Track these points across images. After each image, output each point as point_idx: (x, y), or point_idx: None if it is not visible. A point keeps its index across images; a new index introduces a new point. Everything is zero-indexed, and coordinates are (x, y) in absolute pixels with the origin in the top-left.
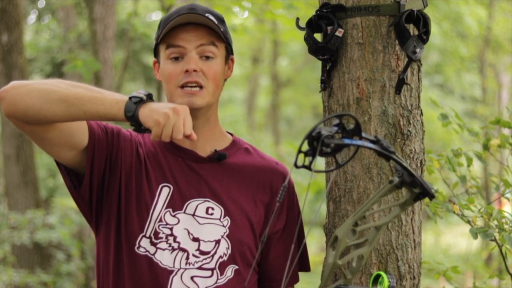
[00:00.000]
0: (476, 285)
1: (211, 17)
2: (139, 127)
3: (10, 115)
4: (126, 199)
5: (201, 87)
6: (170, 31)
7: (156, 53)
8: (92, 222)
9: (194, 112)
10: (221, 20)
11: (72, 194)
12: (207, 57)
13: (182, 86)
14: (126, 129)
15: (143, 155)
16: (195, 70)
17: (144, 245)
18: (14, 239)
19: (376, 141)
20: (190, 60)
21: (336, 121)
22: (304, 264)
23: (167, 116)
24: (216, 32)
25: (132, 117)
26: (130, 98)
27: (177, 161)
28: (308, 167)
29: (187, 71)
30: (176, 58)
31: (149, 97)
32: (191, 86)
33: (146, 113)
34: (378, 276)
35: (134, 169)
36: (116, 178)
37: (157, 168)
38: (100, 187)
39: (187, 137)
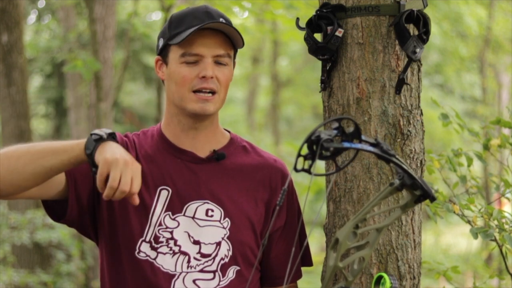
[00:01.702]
0: (476, 285)
1: (225, 22)
2: (92, 168)
3: None
4: (120, 206)
5: (213, 93)
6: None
7: (162, 51)
8: (92, 236)
9: (203, 117)
10: (231, 25)
11: (64, 222)
12: (220, 63)
13: (196, 91)
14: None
15: (136, 157)
16: (211, 77)
17: (144, 250)
18: (14, 239)
19: (376, 144)
20: (207, 66)
21: (336, 124)
22: (306, 260)
23: (116, 160)
24: (230, 40)
25: (89, 155)
26: (91, 134)
27: (175, 162)
28: (308, 171)
29: (204, 77)
30: (190, 62)
31: (111, 137)
32: (205, 92)
33: (100, 150)
34: (380, 277)
35: None
36: None
37: (155, 170)
38: (90, 204)
39: (130, 195)
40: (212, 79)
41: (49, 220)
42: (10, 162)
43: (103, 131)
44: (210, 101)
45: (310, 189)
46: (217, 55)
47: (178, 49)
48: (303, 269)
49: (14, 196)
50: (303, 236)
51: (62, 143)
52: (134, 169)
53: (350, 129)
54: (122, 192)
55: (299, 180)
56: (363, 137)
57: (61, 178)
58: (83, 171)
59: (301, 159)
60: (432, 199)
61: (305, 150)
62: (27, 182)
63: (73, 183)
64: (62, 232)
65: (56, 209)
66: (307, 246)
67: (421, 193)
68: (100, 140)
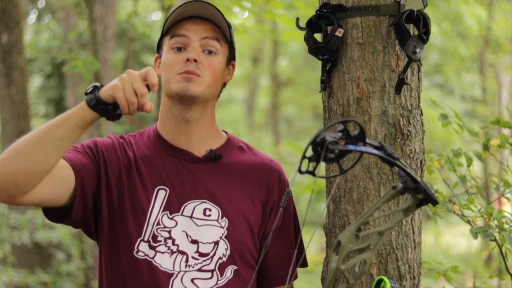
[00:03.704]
0: (476, 285)
1: (217, 12)
2: (108, 108)
3: (2, 193)
4: (120, 206)
5: (197, 75)
6: (176, 22)
7: (159, 47)
8: (95, 237)
9: (189, 100)
10: (228, 23)
11: (68, 223)
12: (210, 52)
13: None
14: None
15: (133, 158)
16: (195, 60)
17: (142, 249)
18: (14, 239)
19: (380, 147)
20: (191, 50)
21: (341, 127)
22: (302, 261)
23: (121, 78)
24: (221, 29)
25: (97, 103)
26: (85, 93)
27: (172, 162)
28: (312, 173)
29: (188, 60)
30: (179, 49)
31: (102, 86)
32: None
33: (104, 89)
34: (381, 280)
35: (124, 175)
36: (103, 190)
37: (153, 170)
38: (94, 204)
39: (141, 103)
40: (196, 63)
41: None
42: (19, 151)
43: (92, 84)
44: (193, 81)
45: (309, 188)
46: (205, 37)
47: (168, 36)
48: (303, 269)
49: (31, 197)
50: (299, 237)
51: (62, 114)
52: (131, 77)
53: (355, 131)
54: (132, 104)
55: (298, 180)
56: (367, 140)
57: (70, 177)
58: (89, 170)
59: (305, 161)
60: (434, 203)
61: (309, 152)
62: (41, 164)
63: (81, 181)
64: (62, 232)
65: (56, 211)
66: (303, 247)
67: (423, 197)
68: (95, 88)
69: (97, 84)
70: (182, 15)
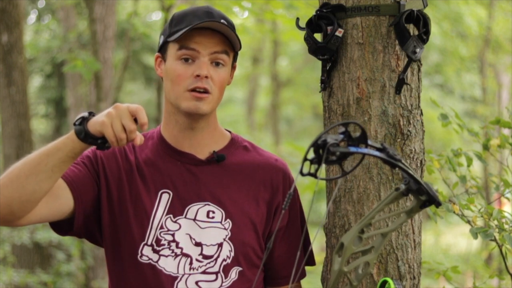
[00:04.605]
0: (476, 285)
1: (226, 23)
2: (97, 141)
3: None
4: (121, 212)
5: (207, 92)
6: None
7: (162, 49)
8: (101, 244)
9: (197, 116)
10: (233, 27)
11: (73, 235)
12: (217, 64)
13: (190, 90)
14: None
15: (135, 162)
16: (206, 76)
17: (146, 253)
18: (14, 239)
19: (382, 149)
20: (202, 65)
21: (342, 129)
22: (309, 259)
23: (109, 114)
24: (230, 41)
25: (85, 136)
26: (74, 124)
27: (176, 165)
28: (314, 175)
29: (198, 76)
30: (186, 60)
31: (91, 114)
32: (199, 91)
33: (92, 123)
34: (385, 282)
35: (125, 180)
36: (103, 198)
37: (156, 174)
38: (95, 212)
39: (131, 138)
40: (206, 79)
41: None
42: (12, 180)
43: (81, 114)
44: (204, 100)
45: (309, 189)
46: (215, 52)
47: (176, 45)
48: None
49: (29, 219)
50: (305, 235)
51: (53, 143)
52: (120, 112)
53: (357, 133)
54: (121, 140)
55: (299, 180)
56: (369, 142)
57: (67, 195)
58: (87, 182)
59: (306, 163)
60: (438, 204)
61: (310, 154)
62: (35, 193)
63: (79, 197)
64: None
65: (62, 225)
66: (310, 245)
67: (426, 198)
68: (84, 120)
69: (85, 114)
70: (192, 27)
